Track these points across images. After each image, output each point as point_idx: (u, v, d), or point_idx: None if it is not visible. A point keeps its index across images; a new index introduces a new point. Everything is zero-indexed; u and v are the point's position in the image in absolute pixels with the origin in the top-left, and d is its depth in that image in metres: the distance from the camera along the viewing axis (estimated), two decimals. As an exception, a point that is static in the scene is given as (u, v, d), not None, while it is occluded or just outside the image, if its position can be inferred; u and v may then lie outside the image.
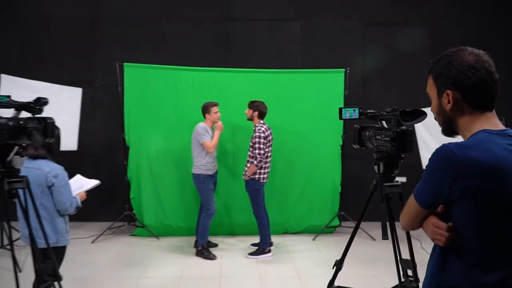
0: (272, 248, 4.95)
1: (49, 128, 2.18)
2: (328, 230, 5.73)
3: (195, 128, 4.77)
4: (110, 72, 5.46)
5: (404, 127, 2.42)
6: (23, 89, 4.77)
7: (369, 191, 2.75)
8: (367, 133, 2.65)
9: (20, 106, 2.18)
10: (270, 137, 4.78)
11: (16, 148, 2.16)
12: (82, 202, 3.09)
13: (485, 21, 6.31)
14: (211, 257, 4.77)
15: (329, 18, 6.27)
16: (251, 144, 4.73)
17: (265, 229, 4.86)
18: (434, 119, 1.47)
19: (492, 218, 1.25)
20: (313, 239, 5.53)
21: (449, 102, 1.35)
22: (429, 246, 1.44)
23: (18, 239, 4.78)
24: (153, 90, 5.45)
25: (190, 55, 5.94)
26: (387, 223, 2.57)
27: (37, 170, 2.80)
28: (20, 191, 2.29)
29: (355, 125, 2.82)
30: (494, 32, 6.27)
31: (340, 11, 6.29)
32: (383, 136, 2.50)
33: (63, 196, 2.89)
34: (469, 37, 6.07)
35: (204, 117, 4.84)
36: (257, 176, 4.71)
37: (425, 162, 4.89)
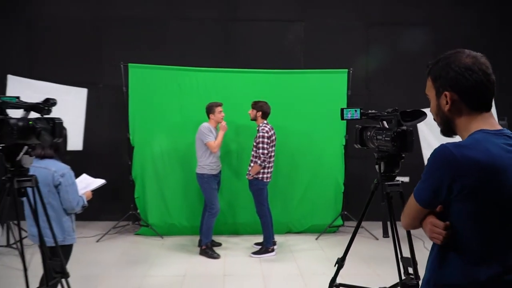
0: (275, 247, 4.99)
1: (57, 128, 2.24)
2: (331, 229, 5.76)
3: (199, 128, 4.81)
4: (115, 72, 5.51)
5: (404, 127, 2.47)
6: (29, 89, 4.82)
7: (370, 190, 2.79)
8: (368, 133, 2.70)
9: (29, 107, 2.23)
10: (274, 137, 4.82)
11: (26, 147, 2.21)
12: (87, 201, 3.14)
13: (488, 21, 6.31)
14: (215, 256, 4.80)
15: (332, 19, 6.29)
16: (254, 144, 4.77)
17: (269, 228, 4.90)
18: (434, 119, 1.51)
19: (489, 216, 1.28)
20: (316, 239, 5.56)
21: (447, 103, 1.38)
22: (431, 245, 1.47)
23: (25, 237, 4.87)
24: (157, 90, 5.49)
25: (194, 56, 5.98)
26: (388, 222, 2.61)
27: (44, 169, 2.85)
28: (29, 190, 2.34)
29: (357, 125, 2.86)
30: (496, 32, 6.28)
31: (343, 11, 6.31)
32: (384, 136, 2.54)
33: (70, 195, 2.94)
34: (472, 37, 6.09)
35: (208, 117, 4.88)
36: (260, 175, 4.75)
37: (427, 162, 4.90)
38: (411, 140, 2.48)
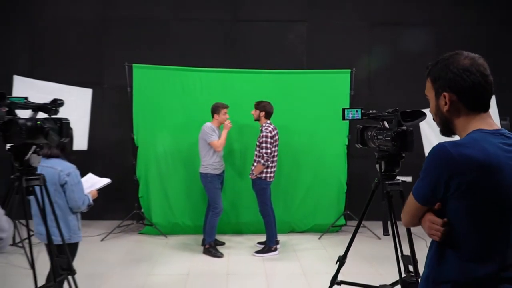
0: (278, 246, 5.02)
1: (65, 128, 2.29)
2: (334, 229, 5.79)
3: (202, 128, 4.84)
4: (119, 73, 5.56)
5: (404, 127, 2.50)
6: (35, 90, 4.86)
7: (371, 189, 2.83)
8: (369, 133, 2.74)
9: (37, 107, 2.28)
10: (277, 137, 4.85)
11: (34, 147, 2.26)
12: (93, 200, 3.19)
13: (489, 22, 6.32)
14: (218, 255, 4.84)
15: (335, 19, 6.32)
16: (258, 143, 4.80)
17: (272, 227, 4.93)
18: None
19: (485, 213, 1.31)
20: (319, 238, 5.58)
21: (446, 103, 1.41)
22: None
23: (31, 236, 4.92)
24: (161, 91, 5.54)
25: (197, 56, 6.03)
26: (388, 220, 2.65)
27: (51, 168, 2.90)
28: (37, 189, 2.39)
29: (358, 125, 2.91)
30: (498, 32, 6.29)
31: (346, 12, 6.33)
32: (384, 136, 2.58)
33: (76, 194, 2.98)
34: (474, 38, 6.12)
35: (212, 117, 4.92)
36: (264, 175, 4.79)
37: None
38: (411, 140, 2.52)
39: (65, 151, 3.04)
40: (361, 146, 2.89)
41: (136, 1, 6.19)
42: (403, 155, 2.64)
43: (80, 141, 5.09)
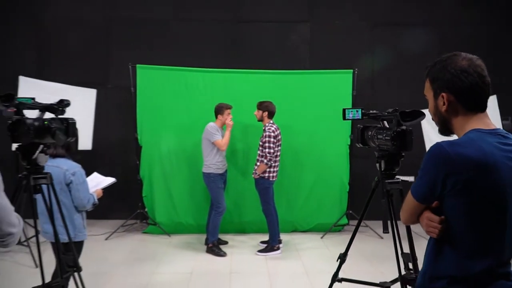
0: (281, 245, 5.05)
1: (71, 128, 2.34)
2: (336, 228, 5.82)
3: (206, 128, 4.88)
4: (123, 73, 5.61)
5: (404, 127, 2.54)
6: (40, 90, 4.89)
7: (371, 187, 2.87)
8: (369, 133, 2.78)
9: (44, 108, 2.33)
10: (279, 137, 4.89)
11: (41, 146, 2.31)
12: (98, 199, 3.23)
13: (492, 22, 6.34)
14: (221, 254, 4.87)
15: (338, 20, 6.35)
16: (260, 143, 4.84)
17: (274, 226, 4.96)
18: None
19: (481, 211, 1.35)
20: (322, 237, 5.61)
21: (444, 104, 1.44)
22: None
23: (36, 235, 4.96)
24: (165, 91, 5.58)
25: (201, 57, 6.07)
26: (389, 218, 2.69)
27: (56, 168, 2.94)
28: (44, 188, 2.43)
29: (358, 125, 2.95)
30: (500, 32, 6.30)
31: (349, 12, 6.36)
32: (384, 135, 2.63)
33: (81, 193, 3.03)
34: (476, 38, 6.14)
35: (216, 117, 4.95)
36: (266, 174, 4.82)
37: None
38: (411, 139, 2.56)
39: (71, 151, 3.08)
40: (361, 145, 2.93)
41: (140, 2, 6.24)
42: (403, 154, 2.68)
43: (85, 141, 5.14)
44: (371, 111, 2.82)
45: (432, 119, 1.55)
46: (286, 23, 6.34)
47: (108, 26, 6.24)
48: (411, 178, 4.85)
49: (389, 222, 2.73)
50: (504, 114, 4.68)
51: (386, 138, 2.59)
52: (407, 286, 2.59)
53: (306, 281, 4.18)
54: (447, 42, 6.14)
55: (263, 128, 4.88)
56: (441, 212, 1.42)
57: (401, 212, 1.60)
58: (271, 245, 4.98)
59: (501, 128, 1.50)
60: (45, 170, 2.53)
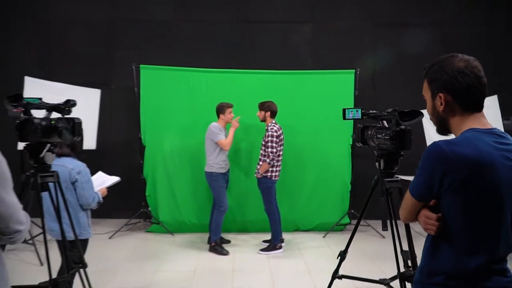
0: (283, 244, 5.08)
1: (77, 128, 2.39)
2: (338, 227, 5.84)
3: (209, 128, 4.92)
4: (127, 74, 5.65)
5: (402, 127, 2.58)
6: (45, 90, 4.92)
7: (371, 186, 2.91)
8: (369, 132, 2.83)
9: (51, 108, 2.38)
10: (282, 136, 4.92)
11: (48, 145, 2.36)
12: (103, 197, 3.27)
13: (494, 22, 6.35)
14: (224, 252, 4.91)
15: (340, 20, 6.38)
16: (263, 143, 4.88)
17: (277, 225, 5.00)
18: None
19: (477, 209, 1.38)
20: (324, 237, 5.65)
21: (441, 104, 1.48)
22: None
23: (41, 233, 5.00)
24: (168, 91, 5.63)
25: (204, 57, 6.11)
26: (388, 216, 2.73)
27: (62, 167, 2.98)
28: (51, 186, 2.48)
29: (359, 125, 3.00)
30: (502, 33, 6.32)
31: (351, 12, 6.39)
32: (383, 135, 2.68)
33: (86, 191, 3.07)
34: (478, 38, 6.15)
35: (218, 117, 4.99)
36: (269, 174, 4.86)
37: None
38: (409, 139, 2.61)
39: (76, 150, 3.13)
40: (361, 144, 2.98)
41: (144, 2, 6.27)
42: (402, 153, 2.73)
43: (89, 141, 5.17)
44: (370, 111, 2.87)
45: (430, 119, 1.58)
46: (288, 23, 6.37)
47: (112, 27, 6.29)
48: (412, 178, 4.88)
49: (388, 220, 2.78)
50: (505, 114, 4.70)
51: (385, 137, 2.64)
52: (406, 282, 2.63)
53: (308, 280, 4.21)
54: (449, 42, 6.16)
55: (266, 128, 4.92)
56: (438, 210, 1.46)
57: (400, 210, 1.63)
58: (273, 244, 5.01)
59: (502, 128, 1.54)
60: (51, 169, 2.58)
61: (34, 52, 6.23)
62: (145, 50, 6.11)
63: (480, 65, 1.47)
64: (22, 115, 2.30)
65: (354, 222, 5.90)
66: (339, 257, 3.17)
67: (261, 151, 4.90)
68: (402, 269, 2.73)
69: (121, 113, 6.18)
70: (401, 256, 2.74)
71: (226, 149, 4.89)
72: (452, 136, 1.52)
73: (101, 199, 3.21)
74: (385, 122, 2.79)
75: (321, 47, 6.35)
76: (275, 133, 4.80)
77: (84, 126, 2.99)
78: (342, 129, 5.71)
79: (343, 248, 3.21)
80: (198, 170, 5.41)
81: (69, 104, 2.38)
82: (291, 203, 5.76)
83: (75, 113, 2.61)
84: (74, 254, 2.66)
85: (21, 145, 4.10)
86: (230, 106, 4.98)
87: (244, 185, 5.66)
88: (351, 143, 5.81)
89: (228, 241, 5.31)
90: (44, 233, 2.49)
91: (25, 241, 4.91)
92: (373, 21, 6.40)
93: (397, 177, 2.79)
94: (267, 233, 5.17)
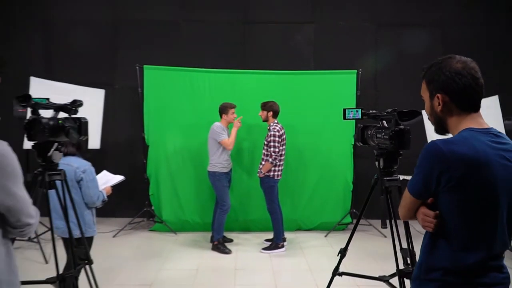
0: (285, 243, 5.12)
1: (83, 127, 2.44)
2: (340, 227, 5.87)
3: (212, 127, 4.96)
4: (131, 74, 5.70)
5: (402, 126, 2.63)
6: (50, 90, 4.96)
7: (370, 185, 2.96)
8: (369, 132, 2.88)
9: (58, 107, 2.44)
10: (284, 136, 4.96)
11: (56, 144, 2.42)
12: (107, 196, 3.32)
13: (495, 23, 6.37)
14: (226, 251, 4.95)
15: (342, 20, 6.41)
16: (265, 142, 4.92)
17: (279, 224, 5.03)
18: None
19: (474, 206, 1.42)
20: (326, 236, 5.68)
21: (439, 104, 1.52)
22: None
23: (46, 232, 5.06)
24: (171, 91, 5.67)
25: (207, 57, 6.16)
26: (387, 214, 2.78)
27: (67, 165, 3.03)
28: (58, 184, 2.54)
29: (359, 124, 3.04)
30: (503, 33, 6.34)
31: (353, 13, 6.42)
32: (383, 134, 2.73)
33: (91, 190, 3.12)
34: (479, 39, 6.18)
35: (221, 117, 5.04)
36: (271, 173, 4.90)
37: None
38: (408, 138, 2.66)
39: (81, 149, 3.19)
40: (361, 144, 3.03)
41: (147, 3, 6.33)
42: (401, 152, 2.77)
43: (93, 140, 5.20)
44: (370, 111, 2.92)
45: (428, 118, 1.62)
46: (290, 24, 6.41)
47: (116, 27, 6.34)
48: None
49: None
50: (506, 114, 4.72)
51: (385, 137, 2.69)
52: (405, 279, 2.68)
53: (310, 278, 4.25)
54: (449, 42, 6.20)
55: (268, 127, 4.95)
56: (436, 207, 1.49)
57: (399, 208, 1.67)
58: (276, 243, 5.05)
59: (503, 128, 1.57)
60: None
61: (38, 53, 6.29)
62: (148, 51, 6.16)
63: (477, 67, 1.51)
64: (30, 114, 2.35)
65: (356, 221, 5.95)
66: (339, 255, 3.21)
67: (263, 151, 4.94)
68: (401, 266, 2.77)
69: (124, 113, 6.23)
70: (400, 254, 2.79)
71: (229, 148, 4.93)
72: (450, 136, 1.55)
73: (105, 197, 3.26)
74: (384, 122, 2.84)
75: (323, 48, 6.39)
76: (277, 133, 4.84)
77: (89, 126, 3.04)
78: (344, 129, 5.74)
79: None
80: (201, 170, 5.45)
81: (76, 104, 2.44)
82: (293, 203, 5.80)
83: (80, 113, 2.66)
84: (80, 251, 2.71)
85: (26, 145, 4.15)
86: (233, 106, 5.02)
87: (246, 185, 5.70)
88: (352, 143, 5.84)
89: (231, 240, 5.35)
90: (52, 230, 2.54)
91: (30, 239, 4.96)
92: (375, 22, 6.44)
93: (396, 176, 2.84)
94: (270, 232, 5.21)
